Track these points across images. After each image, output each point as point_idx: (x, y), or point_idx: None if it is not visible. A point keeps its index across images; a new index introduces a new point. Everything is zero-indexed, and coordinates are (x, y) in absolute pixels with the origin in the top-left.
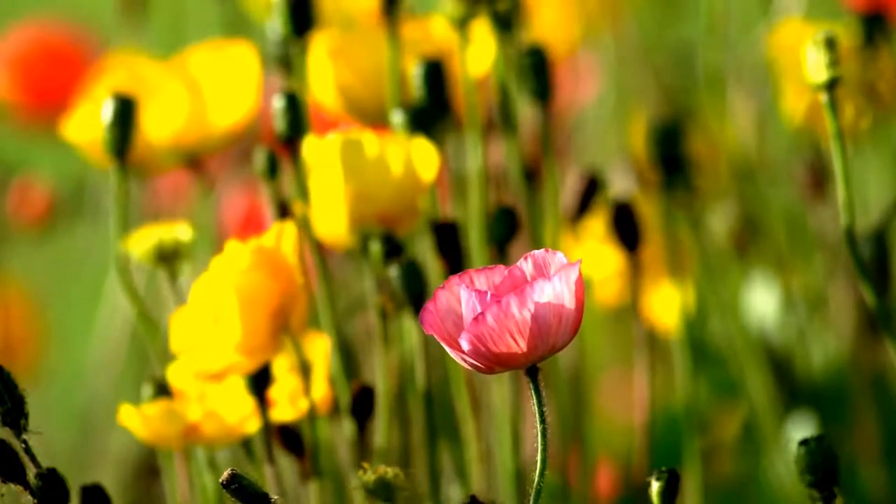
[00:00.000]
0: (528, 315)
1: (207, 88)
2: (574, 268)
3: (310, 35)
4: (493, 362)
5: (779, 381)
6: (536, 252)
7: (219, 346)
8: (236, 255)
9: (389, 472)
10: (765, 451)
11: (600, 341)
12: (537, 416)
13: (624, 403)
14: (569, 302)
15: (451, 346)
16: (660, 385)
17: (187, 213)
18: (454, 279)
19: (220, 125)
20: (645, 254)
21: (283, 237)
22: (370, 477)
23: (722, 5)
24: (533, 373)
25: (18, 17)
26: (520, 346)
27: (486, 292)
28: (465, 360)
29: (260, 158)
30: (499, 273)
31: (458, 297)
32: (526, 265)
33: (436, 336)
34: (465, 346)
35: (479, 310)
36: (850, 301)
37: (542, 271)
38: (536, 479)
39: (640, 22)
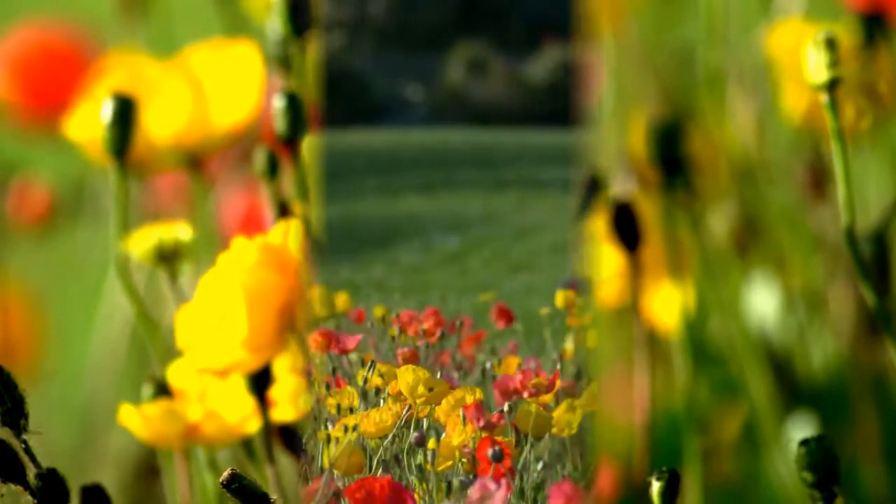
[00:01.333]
0: None
1: (209, 88)
2: None
3: (310, 35)
4: None
5: (779, 381)
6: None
7: (225, 342)
8: (243, 252)
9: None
10: (765, 451)
11: (600, 341)
12: None
13: (624, 403)
14: None
15: None
16: (660, 385)
17: (187, 213)
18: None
19: (221, 125)
20: (645, 254)
21: (289, 235)
22: None
23: (722, 6)
24: None
25: (18, 17)
26: None
27: None
28: None
29: (260, 158)
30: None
31: None
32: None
33: None
34: None
35: None
36: (850, 301)
37: None
38: None
39: (640, 22)
